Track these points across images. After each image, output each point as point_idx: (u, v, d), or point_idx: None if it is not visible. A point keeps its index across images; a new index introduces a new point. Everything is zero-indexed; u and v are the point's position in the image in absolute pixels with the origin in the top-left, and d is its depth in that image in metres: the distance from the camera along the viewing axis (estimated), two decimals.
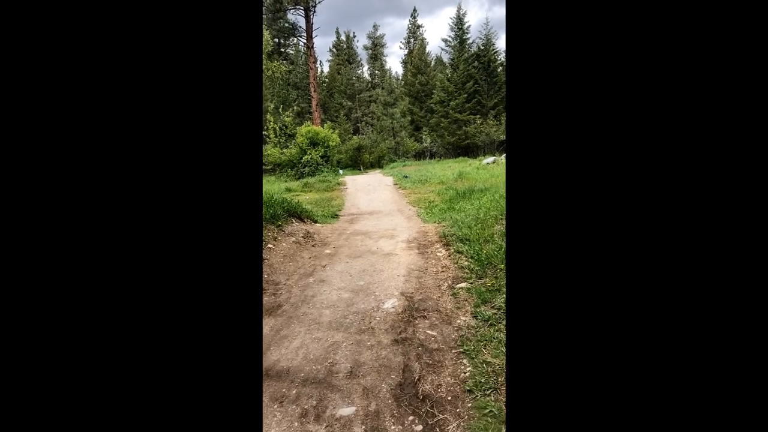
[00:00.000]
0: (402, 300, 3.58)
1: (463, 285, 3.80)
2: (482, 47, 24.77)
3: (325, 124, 19.01)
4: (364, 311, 3.41)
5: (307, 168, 16.56)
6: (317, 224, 7.36)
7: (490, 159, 15.84)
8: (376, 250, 5.18)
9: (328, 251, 5.35)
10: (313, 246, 5.69)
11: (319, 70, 44.44)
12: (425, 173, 14.92)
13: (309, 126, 17.35)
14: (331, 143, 17.39)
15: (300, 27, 23.89)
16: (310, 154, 16.52)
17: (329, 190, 12.45)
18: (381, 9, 68.15)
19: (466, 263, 4.30)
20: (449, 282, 3.98)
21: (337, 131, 19.23)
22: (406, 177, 13.82)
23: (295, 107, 31.63)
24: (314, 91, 22.03)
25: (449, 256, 4.73)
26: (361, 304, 3.55)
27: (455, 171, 13.74)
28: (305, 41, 22.08)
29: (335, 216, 8.52)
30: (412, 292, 3.73)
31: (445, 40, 25.46)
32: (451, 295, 3.63)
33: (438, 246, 5.19)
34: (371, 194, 11.59)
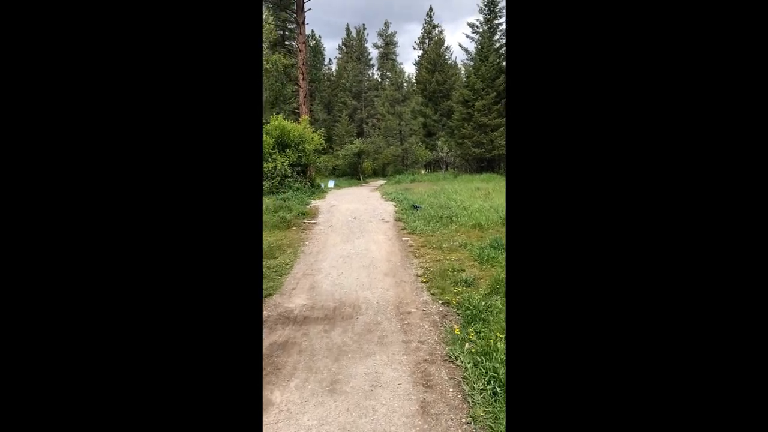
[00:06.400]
0: None
1: None
2: None
3: (301, 118, 13.65)
4: None
5: (266, 182, 11.19)
6: None
7: None
8: None
9: None
10: None
11: (326, 67, 39.75)
12: (445, 200, 9.83)
13: (277, 120, 12.18)
14: (307, 146, 12.16)
15: None
16: (276, 161, 11.36)
17: (283, 228, 7.33)
18: (401, 14, 62.88)
19: None
20: None
21: (320, 131, 13.93)
22: (416, 208, 8.70)
23: (292, 103, 26.83)
24: (302, 79, 17.02)
25: None
26: None
27: (495, 203, 8.64)
28: (294, 15, 17.14)
29: None
30: None
31: (471, 25, 20.36)
32: None
33: None
34: (352, 242, 6.54)
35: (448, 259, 5.36)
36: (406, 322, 3.59)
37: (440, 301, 4.03)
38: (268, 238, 6.42)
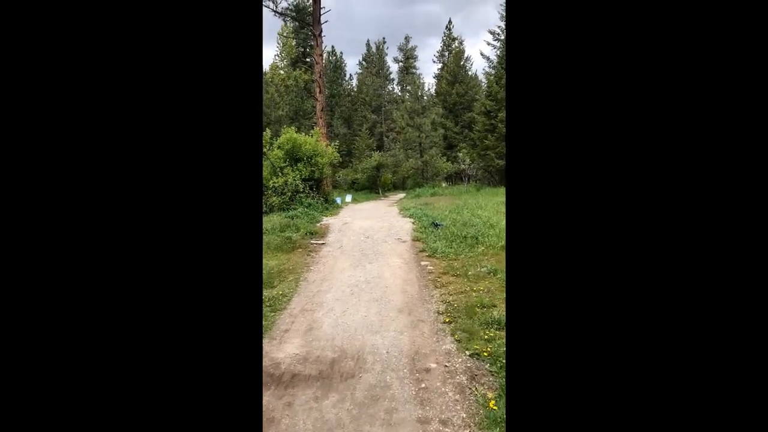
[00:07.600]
0: None
1: None
2: None
3: (313, 130, 12.92)
4: None
5: (275, 198, 10.33)
6: None
7: None
8: None
9: None
10: None
11: (346, 83, 39.55)
12: (468, 216, 8.93)
13: (289, 133, 11.56)
14: (320, 159, 11.49)
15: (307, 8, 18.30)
16: (288, 176, 10.70)
17: (287, 250, 6.56)
18: (421, 29, 62.77)
19: None
20: None
21: (335, 143, 13.24)
22: (437, 226, 7.82)
23: (312, 117, 26.48)
24: (320, 92, 16.54)
25: None
26: None
27: None
28: (311, 28, 16.79)
29: None
30: None
31: (492, 33, 19.60)
32: None
33: None
34: (363, 267, 5.71)
35: (475, 291, 4.47)
36: (423, 385, 2.72)
37: (468, 352, 3.15)
38: (269, 263, 5.67)
